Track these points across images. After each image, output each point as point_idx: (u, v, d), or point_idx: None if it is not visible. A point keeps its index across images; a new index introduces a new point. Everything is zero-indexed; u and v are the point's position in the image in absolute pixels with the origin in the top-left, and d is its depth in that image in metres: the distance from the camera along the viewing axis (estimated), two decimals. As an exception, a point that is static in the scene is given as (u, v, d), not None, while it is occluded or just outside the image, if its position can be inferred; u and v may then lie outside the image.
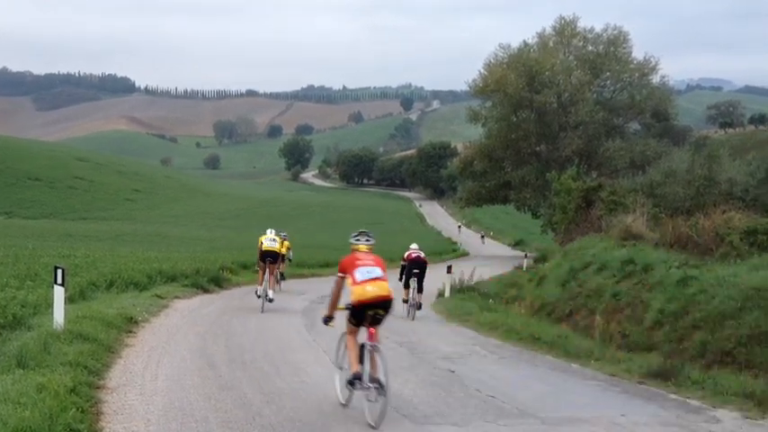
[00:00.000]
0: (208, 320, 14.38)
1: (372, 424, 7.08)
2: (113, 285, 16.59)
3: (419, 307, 17.84)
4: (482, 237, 69.94)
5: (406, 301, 17.85)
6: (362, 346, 7.59)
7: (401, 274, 18.60)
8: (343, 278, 7.86)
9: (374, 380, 7.29)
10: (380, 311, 7.71)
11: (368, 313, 7.64)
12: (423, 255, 18.71)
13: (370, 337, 7.58)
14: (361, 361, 7.50)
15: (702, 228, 14.55)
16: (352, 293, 7.63)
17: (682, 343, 10.94)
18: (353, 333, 7.81)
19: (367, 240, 8.09)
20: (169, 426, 6.85)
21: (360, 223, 78.97)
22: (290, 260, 24.63)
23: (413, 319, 17.40)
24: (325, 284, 26.08)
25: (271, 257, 17.11)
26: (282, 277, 22.70)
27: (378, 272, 7.76)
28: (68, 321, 10.24)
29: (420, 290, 17.95)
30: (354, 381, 7.48)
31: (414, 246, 19.30)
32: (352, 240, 8.13)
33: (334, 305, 8.05)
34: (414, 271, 18.06)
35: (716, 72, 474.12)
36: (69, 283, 13.22)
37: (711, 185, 22.34)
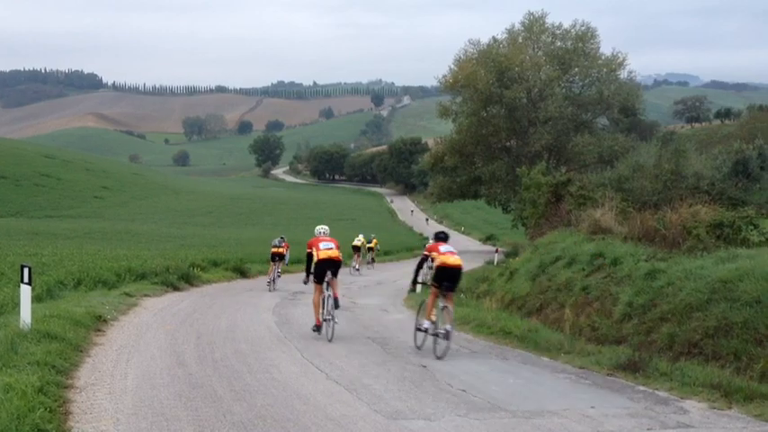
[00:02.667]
0: (178, 318, 14.28)
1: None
2: (81, 284, 16.45)
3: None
4: (426, 219, 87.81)
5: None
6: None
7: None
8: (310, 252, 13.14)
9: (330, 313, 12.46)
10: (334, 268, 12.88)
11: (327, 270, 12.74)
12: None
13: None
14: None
15: (670, 221, 14.71)
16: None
17: (650, 335, 11.06)
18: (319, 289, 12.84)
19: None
20: (139, 425, 6.79)
21: (332, 220, 78.99)
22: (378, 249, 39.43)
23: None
24: (293, 284, 26.08)
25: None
26: (373, 261, 36.98)
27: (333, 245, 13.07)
28: (36, 320, 10.11)
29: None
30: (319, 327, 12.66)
31: (447, 246, 31.19)
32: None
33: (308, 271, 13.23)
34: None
35: (683, 68, 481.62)
36: (36, 281, 13.06)
37: (678, 180, 22.60)
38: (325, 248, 12.83)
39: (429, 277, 14.06)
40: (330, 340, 12.14)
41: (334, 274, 12.79)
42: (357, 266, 33.17)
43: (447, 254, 11.53)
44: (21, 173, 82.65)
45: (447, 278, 11.45)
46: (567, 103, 54.29)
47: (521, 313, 15.80)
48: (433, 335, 11.27)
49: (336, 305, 12.47)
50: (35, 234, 40.47)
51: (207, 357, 10.26)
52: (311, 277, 12.97)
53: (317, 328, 12.63)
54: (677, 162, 23.68)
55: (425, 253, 12.17)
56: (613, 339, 11.81)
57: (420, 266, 12.57)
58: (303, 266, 29.52)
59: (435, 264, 11.61)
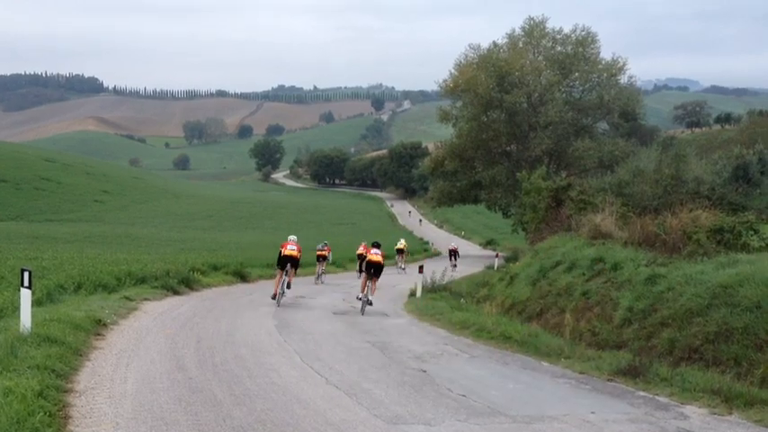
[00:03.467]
0: (178, 322, 14.25)
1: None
2: (81, 287, 16.38)
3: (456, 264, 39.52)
4: (420, 220, 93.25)
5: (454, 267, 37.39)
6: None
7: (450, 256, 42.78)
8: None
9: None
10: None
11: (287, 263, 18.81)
12: (455, 246, 44.80)
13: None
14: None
15: (670, 226, 14.69)
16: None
17: (650, 340, 11.05)
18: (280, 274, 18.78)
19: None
20: (138, 429, 6.78)
21: (332, 224, 79.00)
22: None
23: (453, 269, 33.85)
24: (300, 286, 26.06)
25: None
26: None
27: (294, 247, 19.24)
28: (35, 324, 10.09)
29: (455, 265, 38.54)
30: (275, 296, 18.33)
31: (453, 243, 45.65)
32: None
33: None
34: (451, 250, 42.74)
35: (683, 72, 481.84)
36: (36, 285, 13.04)
37: (678, 184, 22.56)
38: (290, 249, 19.03)
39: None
40: (278, 306, 17.79)
41: (293, 266, 19.12)
42: (403, 266, 38.72)
43: (373, 254, 19.13)
44: (21, 176, 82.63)
45: (372, 268, 18.68)
46: (567, 107, 54.33)
47: (521, 318, 15.78)
48: (363, 301, 17.96)
49: (288, 286, 18.92)
50: (35, 238, 40.47)
51: (207, 362, 10.25)
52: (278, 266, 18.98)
53: (274, 296, 18.35)
54: (677, 167, 23.65)
55: (363, 253, 19.37)
56: (614, 344, 11.79)
57: (362, 260, 19.60)
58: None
59: (366, 260, 19.47)
